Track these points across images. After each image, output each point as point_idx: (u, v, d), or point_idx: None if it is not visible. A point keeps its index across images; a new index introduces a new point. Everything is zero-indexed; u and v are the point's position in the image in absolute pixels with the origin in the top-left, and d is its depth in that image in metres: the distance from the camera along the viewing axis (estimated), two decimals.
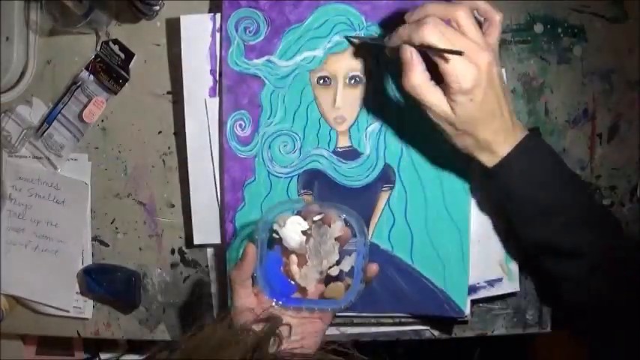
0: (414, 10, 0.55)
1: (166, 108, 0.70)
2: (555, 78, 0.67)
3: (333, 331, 0.69)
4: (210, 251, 0.70)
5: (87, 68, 0.70)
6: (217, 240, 0.68)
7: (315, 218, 0.56)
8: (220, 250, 0.68)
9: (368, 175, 0.65)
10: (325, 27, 0.64)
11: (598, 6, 0.67)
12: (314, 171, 0.65)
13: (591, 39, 0.67)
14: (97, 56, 0.69)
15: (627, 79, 0.67)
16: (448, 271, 0.64)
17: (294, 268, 0.57)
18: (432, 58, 0.53)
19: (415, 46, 0.53)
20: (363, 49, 0.64)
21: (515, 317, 0.69)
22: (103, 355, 0.97)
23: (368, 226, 0.65)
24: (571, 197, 0.57)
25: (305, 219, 0.56)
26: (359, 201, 0.65)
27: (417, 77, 0.53)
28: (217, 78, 0.66)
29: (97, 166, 0.71)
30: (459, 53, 0.51)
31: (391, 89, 0.64)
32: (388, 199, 0.65)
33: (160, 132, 0.70)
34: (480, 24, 0.55)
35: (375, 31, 0.63)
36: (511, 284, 0.67)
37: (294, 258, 0.57)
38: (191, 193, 0.68)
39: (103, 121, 0.71)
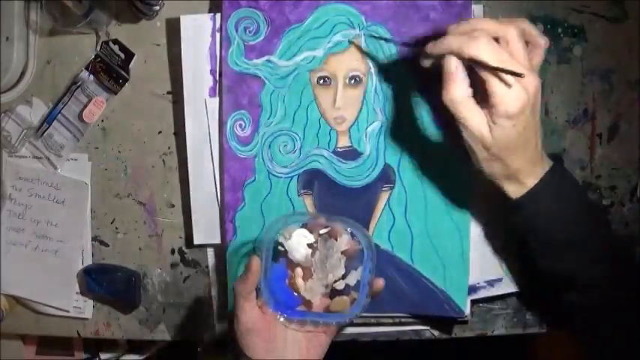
0: (462, 21, 0.52)
1: (166, 108, 0.70)
2: (555, 78, 0.67)
3: None
4: (210, 251, 0.70)
5: (87, 68, 0.70)
6: (217, 240, 0.68)
7: (322, 231, 0.56)
8: (220, 250, 0.68)
9: (368, 175, 0.65)
10: (325, 27, 0.64)
11: (598, 6, 0.67)
12: (314, 171, 0.65)
13: (591, 39, 0.67)
14: (97, 56, 0.69)
15: (627, 79, 0.67)
16: (448, 271, 0.64)
17: (300, 281, 0.56)
18: (480, 75, 0.50)
19: (463, 59, 0.50)
20: (363, 49, 0.64)
21: (515, 317, 0.69)
22: (103, 355, 0.97)
23: (368, 226, 0.65)
24: (594, 231, 0.56)
25: (311, 232, 0.56)
26: (359, 201, 0.65)
27: (459, 92, 0.51)
28: (217, 78, 0.66)
29: (97, 166, 0.71)
30: (520, 75, 0.48)
31: (391, 89, 0.64)
32: (388, 199, 0.65)
33: (160, 132, 0.70)
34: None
35: (375, 31, 0.63)
36: (511, 284, 0.67)
37: (299, 271, 0.56)
38: (191, 193, 0.68)
39: (103, 121, 0.71)
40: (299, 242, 0.56)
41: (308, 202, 0.66)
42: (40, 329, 0.76)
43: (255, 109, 0.65)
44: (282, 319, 0.56)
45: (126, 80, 0.70)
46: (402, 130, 0.64)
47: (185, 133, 0.67)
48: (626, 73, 0.67)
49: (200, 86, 0.66)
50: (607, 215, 0.66)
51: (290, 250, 0.56)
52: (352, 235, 0.56)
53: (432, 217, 0.64)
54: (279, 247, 0.56)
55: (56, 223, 0.72)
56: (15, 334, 0.87)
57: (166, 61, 0.69)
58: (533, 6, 0.67)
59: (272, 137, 0.65)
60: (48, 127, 0.70)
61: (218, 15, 0.65)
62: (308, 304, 0.57)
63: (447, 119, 0.63)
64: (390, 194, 0.65)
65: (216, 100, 0.66)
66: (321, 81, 0.64)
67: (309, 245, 0.56)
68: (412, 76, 0.63)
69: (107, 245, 0.72)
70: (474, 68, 0.50)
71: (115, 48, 0.69)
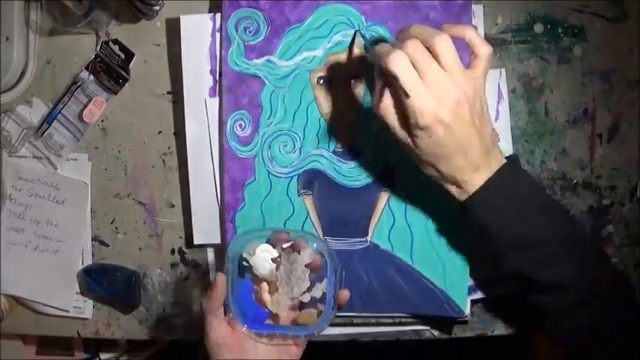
0: (403, 29, 0.54)
1: (166, 108, 0.70)
2: (555, 78, 0.67)
3: (333, 331, 0.69)
4: (210, 251, 0.70)
5: (87, 68, 0.70)
6: (217, 240, 0.68)
7: (284, 245, 0.57)
8: (220, 250, 0.68)
9: (368, 175, 0.65)
10: (325, 27, 0.64)
11: (598, 6, 0.67)
12: (314, 171, 0.65)
13: (591, 39, 0.67)
14: (97, 56, 0.69)
15: (627, 79, 0.67)
16: (448, 271, 0.64)
17: (266, 295, 0.57)
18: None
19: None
20: (363, 48, 0.64)
21: (516, 317, 0.69)
22: (103, 355, 0.97)
23: (368, 225, 0.65)
24: (550, 230, 0.54)
25: (274, 246, 0.56)
26: (359, 201, 0.65)
27: (384, 103, 0.53)
28: (217, 78, 0.66)
29: (97, 166, 0.71)
30: (406, 95, 0.50)
31: None
32: (388, 199, 0.65)
33: (160, 132, 0.70)
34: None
35: (375, 31, 0.63)
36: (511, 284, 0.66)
37: (265, 286, 0.57)
38: (191, 193, 0.68)
39: (103, 121, 0.71)
40: (263, 257, 0.56)
41: (308, 202, 0.66)
42: (40, 329, 0.76)
43: (255, 109, 0.65)
44: (251, 334, 0.56)
45: (126, 80, 0.70)
46: None
47: (185, 133, 0.67)
48: (626, 73, 0.67)
49: (200, 86, 0.66)
50: (569, 214, 0.62)
51: (255, 265, 0.56)
52: (315, 248, 0.57)
53: (432, 217, 0.64)
54: (244, 263, 0.57)
55: (56, 223, 0.72)
56: (15, 334, 0.87)
57: (166, 61, 0.69)
58: (533, 6, 0.67)
59: (272, 137, 0.65)
60: (48, 127, 0.70)
61: (218, 15, 0.65)
62: (275, 317, 0.58)
63: None
64: (390, 194, 0.65)
65: (216, 100, 0.66)
66: (321, 81, 0.64)
67: (273, 260, 0.56)
68: None
69: (107, 245, 0.72)
70: None
71: (115, 48, 0.69)
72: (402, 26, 0.63)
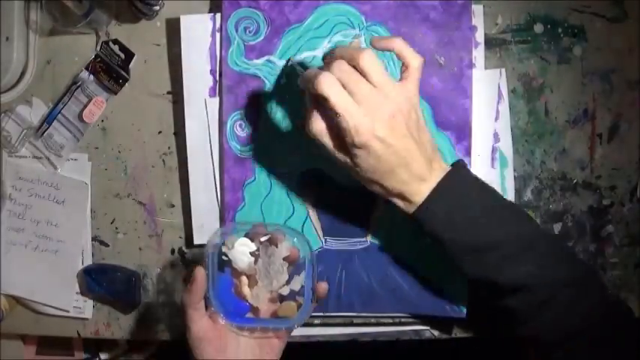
0: (329, 51, 0.54)
1: (166, 108, 0.70)
2: (555, 78, 0.67)
3: (332, 331, 0.69)
4: None
5: (87, 68, 0.70)
6: None
7: (263, 239, 0.57)
8: None
9: None
10: (325, 27, 0.64)
11: (598, 6, 0.67)
12: (314, 171, 0.65)
13: (591, 39, 0.67)
14: (97, 56, 0.69)
15: (627, 79, 0.68)
16: (448, 271, 0.64)
17: (246, 288, 0.58)
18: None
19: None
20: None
21: None
22: (103, 355, 0.97)
23: (368, 225, 0.65)
24: (504, 231, 0.54)
25: (252, 240, 0.57)
26: (359, 200, 0.65)
27: (316, 125, 0.52)
28: (217, 78, 0.66)
29: (97, 166, 0.71)
30: (337, 115, 0.50)
31: None
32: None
33: (160, 132, 0.70)
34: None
35: (375, 31, 0.64)
36: None
37: (244, 279, 0.58)
38: (191, 193, 0.68)
39: (103, 121, 0.71)
40: (241, 251, 0.57)
41: (308, 202, 0.66)
42: (40, 329, 0.76)
43: (255, 109, 0.65)
44: (233, 327, 0.57)
45: (126, 80, 0.70)
46: None
47: (185, 133, 0.67)
48: (626, 73, 0.67)
49: (200, 86, 0.66)
50: (524, 213, 0.59)
51: (233, 259, 0.57)
52: (292, 241, 0.57)
53: None
54: (223, 257, 0.57)
55: (56, 223, 0.72)
56: (15, 334, 0.87)
57: (166, 61, 0.69)
58: (533, 6, 0.67)
59: (272, 137, 0.65)
60: (48, 127, 0.70)
61: (218, 15, 0.65)
62: (256, 311, 0.58)
63: (447, 118, 0.63)
64: None
65: (216, 100, 0.66)
66: None
67: (252, 253, 0.57)
68: None
69: (107, 245, 0.72)
70: None
71: (115, 48, 0.69)
72: (402, 26, 0.63)
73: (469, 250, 0.54)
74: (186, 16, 0.66)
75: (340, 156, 0.53)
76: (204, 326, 0.56)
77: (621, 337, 0.54)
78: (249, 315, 0.59)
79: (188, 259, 0.71)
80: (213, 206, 0.67)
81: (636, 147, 0.68)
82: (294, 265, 0.58)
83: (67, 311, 0.73)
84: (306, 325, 0.68)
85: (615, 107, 0.68)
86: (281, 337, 0.59)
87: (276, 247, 0.57)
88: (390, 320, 0.68)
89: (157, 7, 0.68)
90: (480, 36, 0.65)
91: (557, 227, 0.69)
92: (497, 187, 0.66)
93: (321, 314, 0.67)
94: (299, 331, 0.69)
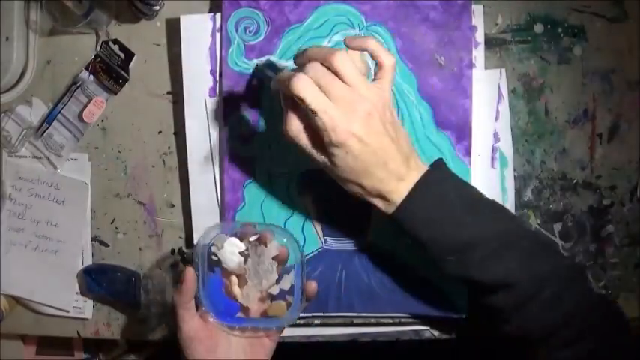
0: (300, 52, 0.54)
1: (166, 108, 0.70)
2: (555, 78, 0.67)
3: (332, 331, 0.69)
4: None
5: (87, 68, 0.70)
6: None
7: (251, 238, 0.57)
8: None
9: None
10: (325, 27, 0.64)
11: (598, 6, 0.67)
12: (314, 171, 0.65)
13: (591, 39, 0.67)
14: (97, 56, 0.69)
15: (627, 79, 0.68)
16: None
17: (236, 288, 0.58)
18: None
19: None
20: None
21: None
22: (102, 355, 0.97)
23: (368, 225, 0.65)
24: (482, 230, 0.54)
25: (242, 240, 0.57)
26: (359, 201, 0.65)
27: (292, 127, 0.52)
28: (217, 78, 0.66)
29: (97, 166, 0.71)
30: (314, 114, 0.50)
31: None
32: None
33: (160, 132, 0.70)
34: None
35: (375, 31, 0.64)
36: None
37: (234, 279, 0.58)
38: (191, 193, 0.68)
39: (103, 121, 0.71)
40: (231, 251, 0.57)
41: (308, 203, 0.66)
42: (40, 329, 0.76)
43: (255, 109, 0.65)
44: (223, 326, 0.57)
45: (126, 80, 0.70)
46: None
47: (185, 133, 0.67)
48: (626, 73, 0.67)
49: (200, 86, 0.66)
50: (504, 210, 0.58)
51: (223, 259, 0.57)
52: (281, 241, 0.57)
53: None
54: (213, 257, 0.57)
55: (56, 223, 0.72)
56: (15, 334, 0.87)
57: (166, 61, 0.69)
58: (533, 6, 0.67)
59: (272, 137, 0.65)
60: (48, 127, 0.70)
61: (218, 15, 0.65)
62: (246, 310, 0.58)
63: (447, 118, 0.63)
64: None
65: (216, 100, 0.66)
66: None
67: (241, 253, 0.57)
68: (411, 75, 0.64)
69: (107, 245, 0.72)
70: None
71: (115, 48, 0.69)
72: (402, 26, 0.63)
73: (450, 250, 0.54)
74: (186, 16, 0.66)
75: (318, 157, 0.53)
76: (195, 326, 0.56)
77: (606, 330, 0.53)
78: (239, 314, 0.59)
79: (188, 259, 0.71)
80: (213, 206, 0.67)
81: (636, 147, 0.68)
82: (283, 264, 0.58)
83: (67, 311, 0.73)
84: (306, 325, 0.68)
85: (615, 107, 0.68)
86: (272, 337, 0.59)
87: (265, 246, 0.57)
88: (390, 320, 0.68)
89: (157, 7, 0.68)
90: (479, 36, 0.65)
91: (557, 227, 0.69)
92: (498, 187, 0.66)
93: (321, 314, 0.67)
94: (299, 331, 0.69)
